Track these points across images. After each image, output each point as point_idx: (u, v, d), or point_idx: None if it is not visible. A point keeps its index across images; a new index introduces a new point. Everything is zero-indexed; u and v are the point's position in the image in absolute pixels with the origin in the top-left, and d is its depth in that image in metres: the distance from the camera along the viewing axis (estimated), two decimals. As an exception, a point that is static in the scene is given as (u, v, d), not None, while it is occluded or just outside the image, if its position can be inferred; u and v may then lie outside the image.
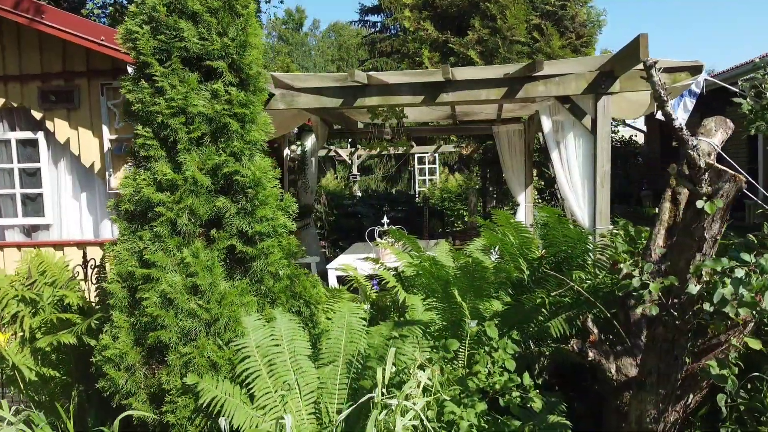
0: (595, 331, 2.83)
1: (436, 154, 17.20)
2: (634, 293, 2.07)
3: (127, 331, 2.76)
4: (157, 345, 2.72)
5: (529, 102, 6.20)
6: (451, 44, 10.26)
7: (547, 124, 5.10)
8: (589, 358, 2.69)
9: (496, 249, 4.28)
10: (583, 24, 10.24)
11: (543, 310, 3.59)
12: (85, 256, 4.64)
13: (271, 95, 5.10)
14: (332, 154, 17.40)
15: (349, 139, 22.67)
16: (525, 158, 9.28)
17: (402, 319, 3.33)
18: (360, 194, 15.47)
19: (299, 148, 9.27)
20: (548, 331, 3.57)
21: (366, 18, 21.36)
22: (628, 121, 16.22)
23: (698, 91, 5.66)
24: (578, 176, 4.99)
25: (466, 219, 16.41)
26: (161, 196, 2.79)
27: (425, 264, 3.75)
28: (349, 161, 17.29)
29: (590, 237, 3.92)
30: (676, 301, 2.20)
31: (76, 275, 3.81)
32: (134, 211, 2.86)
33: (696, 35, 69.40)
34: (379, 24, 20.08)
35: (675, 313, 2.17)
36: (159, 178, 2.81)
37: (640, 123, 22.42)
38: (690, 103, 7.11)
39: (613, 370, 2.72)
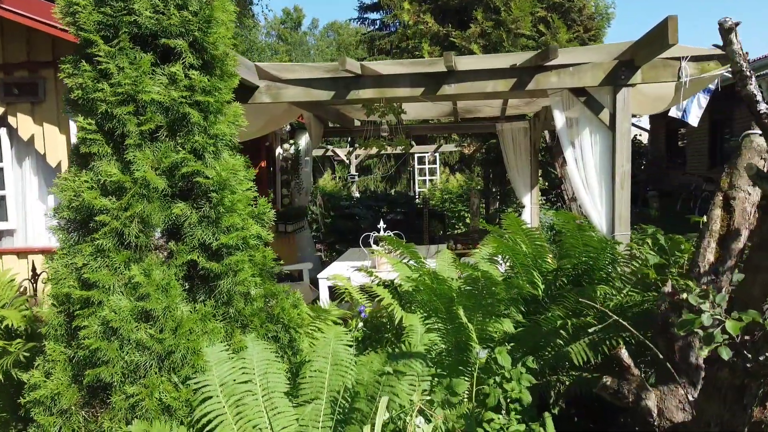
0: (631, 363, 2.34)
1: (437, 154, 16.71)
2: (699, 330, 1.58)
3: (63, 365, 2.27)
4: (98, 384, 2.23)
5: (538, 96, 5.71)
6: (453, 38, 9.77)
7: (560, 119, 4.60)
8: (627, 400, 2.20)
9: (506, 259, 3.79)
10: (591, 17, 9.74)
11: (562, 332, 3.11)
12: (34, 268, 4.14)
13: (255, 88, 4.61)
14: (330, 153, 16.93)
15: (349, 138, 22.18)
16: (530, 157, 8.79)
17: (398, 346, 2.83)
18: (358, 195, 14.98)
19: (292, 146, 8.78)
20: (567, 357, 3.08)
21: (365, 15, 20.88)
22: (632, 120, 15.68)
23: (713, 87, 5.17)
24: (595, 176, 4.50)
25: (468, 221, 15.93)
26: (105, 202, 2.29)
27: (425, 278, 3.26)
28: (347, 161, 16.80)
29: (617, 246, 3.43)
30: (747, 338, 1.71)
31: (24, 291, 3.31)
32: (74, 220, 2.37)
33: (704, 30, 68.86)
34: (378, 22, 19.60)
35: (748, 354, 1.68)
36: (103, 180, 2.31)
37: (645, 122, 21.94)
38: (704, 99, 6.62)
39: (655, 413, 2.23)
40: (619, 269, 3.39)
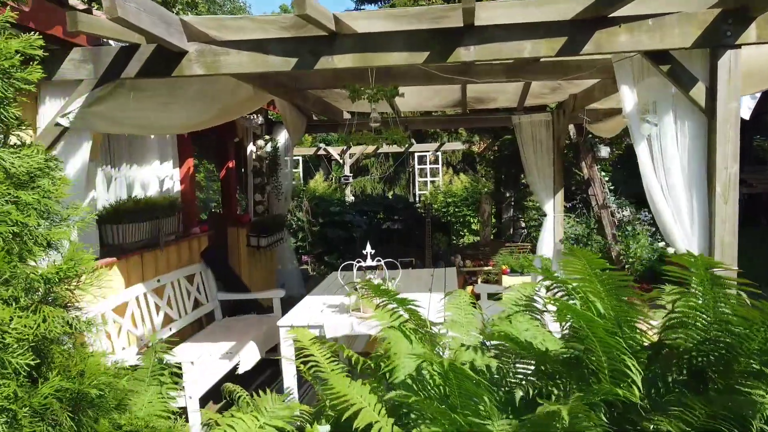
0: None
1: (439, 153, 15.26)
2: None
3: None
4: None
5: (593, 65, 4.26)
6: None
7: (629, 98, 3.14)
8: None
9: (567, 324, 2.34)
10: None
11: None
12: None
13: (182, 54, 3.16)
14: (322, 152, 15.47)
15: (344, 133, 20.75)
16: (554, 156, 7.33)
17: None
18: (352, 199, 13.52)
19: (268, 143, 7.33)
20: None
21: (362, 7, 19.58)
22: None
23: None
24: (681, 183, 3.05)
25: (474, 227, 14.47)
26: None
27: (434, 374, 1.81)
28: (341, 161, 15.35)
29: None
30: None
31: None
32: None
33: None
34: (375, 9, 18.24)
35: None
36: None
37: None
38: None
39: None
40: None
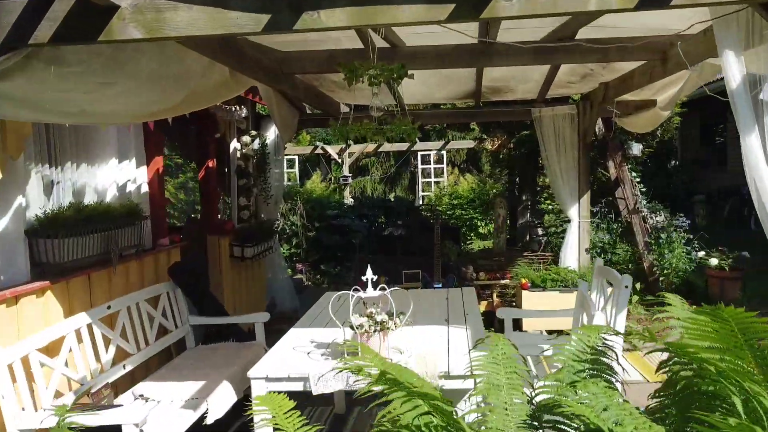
0: None
1: (443, 152, 14.39)
2: None
3: None
4: None
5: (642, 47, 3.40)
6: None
7: (735, 71, 2.26)
8: None
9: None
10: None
11: None
12: None
13: (113, 9, 2.28)
14: (320, 151, 14.59)
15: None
16: (578, 154, 6.48)
17: None
18: (351, 201, 12.64)
19: (255, 140, 6.46)
20: None
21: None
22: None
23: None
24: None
25: (481, 231, 13.60)
26: None
27: None
28: (340, 160, 14.47)
29: None
30: None
31: None
32: None
33: None
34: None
35: None
36: None
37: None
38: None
39: None
40: None
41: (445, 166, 14.45)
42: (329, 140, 18.65)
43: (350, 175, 14.10)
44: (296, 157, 14.86)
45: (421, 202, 13.70)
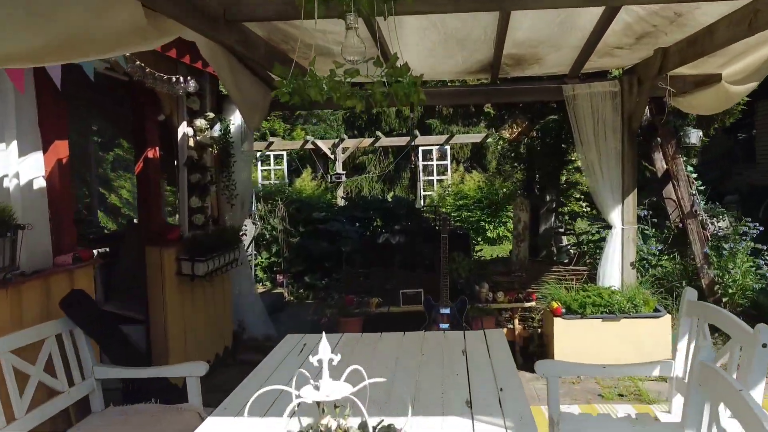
0: None
1: (447, 147, 13.03)
2: None
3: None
4: None
5: None
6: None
7: None
8: None
9: None
10: None
11: None
12: None
13: None
14: (310, 146, 13.23)
15: (335, 126, 18.45)
16: (623, 143, 5.13)
17: None
18: (345, 202, 11.27)
19: (215, 125, 5.12)
20: None
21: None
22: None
23: None
24: None
25: (493, 238, 12.22)
26: None
27: None
28: (332, 155, 13.11)
29: None
30: None
31: None
32: None
33: None
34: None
35: None
36: None
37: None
38: None
39: None
40: None
41: (448, 162, 13.10)
42: (322, 134, 17.30)
43: (344, 172, 12.74)
44: (284, 153, 13.50)
45: (422, 203, 12.34)
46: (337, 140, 13.02)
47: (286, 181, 13.03)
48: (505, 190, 11.86)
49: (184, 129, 4.79)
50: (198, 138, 4.98)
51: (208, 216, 5.02)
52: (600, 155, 5.12)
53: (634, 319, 4.63)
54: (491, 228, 11.96)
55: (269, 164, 13.48)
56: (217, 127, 5.33)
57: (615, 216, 5.12)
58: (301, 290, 7.79)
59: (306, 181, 13.20)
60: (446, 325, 4.68)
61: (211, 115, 5.03)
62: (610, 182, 5.12)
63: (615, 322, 4.64)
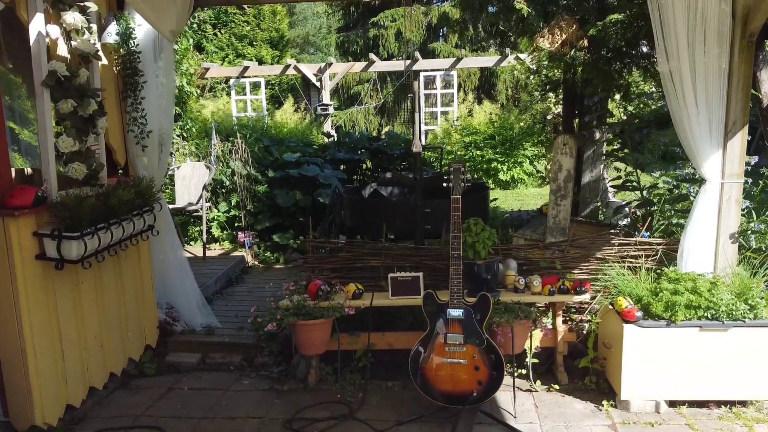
0: None
1: (453, 72, 11.08)
2: None
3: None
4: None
5: None
6: None
7: None
8: None
9: None
10: None
11: None
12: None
13: None
14: (292, 71, 11.29)
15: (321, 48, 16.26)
16: (730, 54, 3.33)
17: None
18: (334, 137, 9.45)
19: (110, 26, 3.31)
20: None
21: None
22: None
23: None
24: None
25: (506, 181, 10.50)
26: None
27: None
28: (318, 83, 11.19)
29: None
30: None
31: None
32: None
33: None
34: None
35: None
36: None
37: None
38: None
39: None
40: None
41: (455, 91, 11.18)
42: (301, 58, 15.20)
43: (331, 103, 10.86)
44: (262, 80, 11.56)
45: (424, 140, 10.53)
46: (323, 65, 11.05)
47: (264, 113, 11.17)
48: (522, 123, 10.03)
49: (40, 26, 2.97)
50: (74, 43, 3.18)
51: (96, 165, 3.28)
52: (695, 73, 3.32)
53: (751, 329, 2.99)
54: (504, 170, 10.21)
55: (245, 94, 11.57)
56: (113, 29, 3.52)
57: (711, 165, 3.38)
58: (267, 252, 6.14)
59: (288, 113, 11.33)
60: (458, 337, 3.04)
61: (92, 5, 3.20)
62: (709, 114, 3.34)
63: (721, 332, 3.00)
